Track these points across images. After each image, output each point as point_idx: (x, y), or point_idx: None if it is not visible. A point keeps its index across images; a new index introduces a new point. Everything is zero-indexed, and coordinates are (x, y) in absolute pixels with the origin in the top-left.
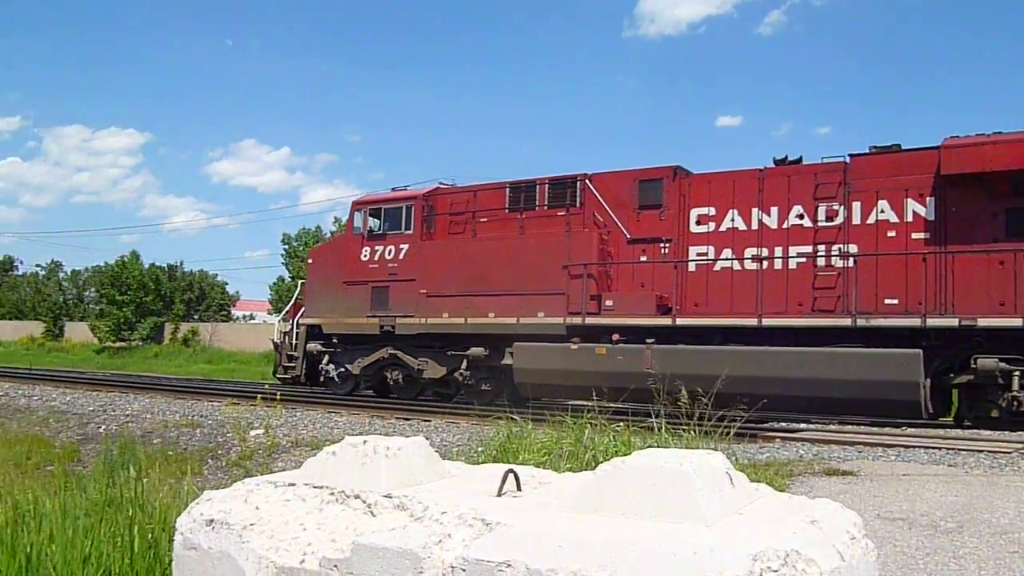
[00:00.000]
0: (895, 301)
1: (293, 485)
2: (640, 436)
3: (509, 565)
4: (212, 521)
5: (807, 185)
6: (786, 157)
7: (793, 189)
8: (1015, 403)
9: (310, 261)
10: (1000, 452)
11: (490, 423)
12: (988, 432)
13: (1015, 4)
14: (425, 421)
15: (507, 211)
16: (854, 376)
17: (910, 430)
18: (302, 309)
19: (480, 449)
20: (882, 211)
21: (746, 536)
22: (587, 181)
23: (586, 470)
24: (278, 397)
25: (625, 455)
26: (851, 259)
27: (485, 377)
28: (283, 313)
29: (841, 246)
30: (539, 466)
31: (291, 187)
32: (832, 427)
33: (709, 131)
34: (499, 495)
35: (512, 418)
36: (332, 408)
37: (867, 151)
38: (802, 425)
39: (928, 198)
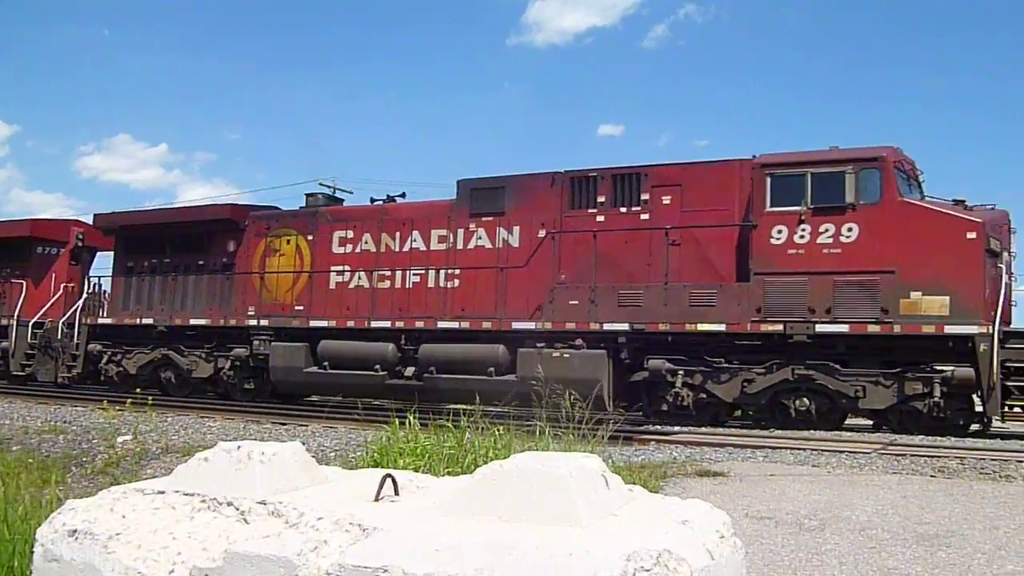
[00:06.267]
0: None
1: (163, 493)
2: (521, 439)
3: (386, 570)
4: (75, 531)
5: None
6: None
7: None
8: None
9: None
10: (860, 452)
11: (372, 427)
12: (850, 434)
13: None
14: (302, 426)
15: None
16: None
17: (777, 432)
18: None
19: (359, 453)
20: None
21: (620, 537)
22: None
23: (465, 474)
24: (149, 402)
25: (505, 458)
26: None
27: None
28: None
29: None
30: (418, 470)
31: (168, 184)
32: (704, 429)
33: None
34: (376, 500)
35: (400, 421)
36: (205, 413)
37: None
38: (676, 428)
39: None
